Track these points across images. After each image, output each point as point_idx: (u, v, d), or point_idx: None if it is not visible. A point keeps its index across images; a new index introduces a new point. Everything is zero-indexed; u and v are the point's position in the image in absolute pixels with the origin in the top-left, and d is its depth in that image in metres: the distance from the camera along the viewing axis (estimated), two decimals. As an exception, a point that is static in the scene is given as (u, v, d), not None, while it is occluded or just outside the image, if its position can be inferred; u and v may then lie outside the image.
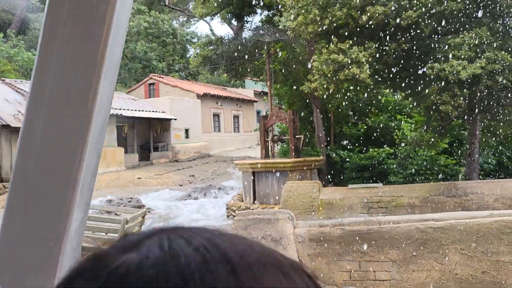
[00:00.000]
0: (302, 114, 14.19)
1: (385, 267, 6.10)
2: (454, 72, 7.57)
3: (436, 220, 6.12)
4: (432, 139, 10.12)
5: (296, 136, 11.08)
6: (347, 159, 12.84)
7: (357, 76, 7.40)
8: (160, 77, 31.58)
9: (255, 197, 10.87)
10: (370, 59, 7.87)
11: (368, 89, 8.70)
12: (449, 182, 9.34)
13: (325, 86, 7.81)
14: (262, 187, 10.81)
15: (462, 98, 7.55)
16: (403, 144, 12.16)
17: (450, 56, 7.93)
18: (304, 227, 6.34)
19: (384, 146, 13.14)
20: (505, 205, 7.84)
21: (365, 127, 13.76)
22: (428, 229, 6.05)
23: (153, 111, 25.44)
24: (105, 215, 8.80)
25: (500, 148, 12.36)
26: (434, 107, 8.27)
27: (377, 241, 6.10)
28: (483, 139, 12.29)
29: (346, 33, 8.49)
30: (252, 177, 10.87)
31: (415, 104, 10.69)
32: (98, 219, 8.00)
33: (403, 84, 9.53)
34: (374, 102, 14.73)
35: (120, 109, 22.92)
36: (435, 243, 6.00)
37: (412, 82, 9.05)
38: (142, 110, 24.70)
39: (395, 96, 13.87)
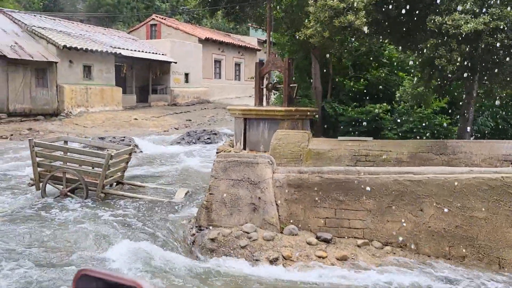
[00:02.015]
0: (302, 64, 13.90)
1: (360, 216, 6.18)
2: (456, 26, 7.30)
3: (415, 174, 6.12)
4: (426, 97, 9.96)
5: (291, 85, 10.90)
6: (343, 113, 12.74)
7: (353, 23, 7.16)
8: (163, 18, 30.80)
9: (246, 143, 10.87)
10: (369, 7, 7.58)
11: (367, 40, 8.45)
12: (439, 140, 9.29)
13: (320, 34, 7.59)
14: (253, 134, 10.79)
15: (458, 54, 7.33)
16: (401, 101, 11.98)
17: (454, 9, 7.63)
18: (283, 173, 6.37)
19: (383, 102, 12.96)
20: (492, 165, 7.83)
21: (365, 81, 13.51)
22: (406, 181, 6.06)
23: (153, 53, 25.00)
24: (93, 150, 8.86)
25: (499, 111, 12.24)
26: (429, 62, 8.05)
27: (354, 190, 6.15)
28: (483, 101, 12.08)
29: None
30: (244, 124, 10.82)
31: (414, 60, 10.43)
32: (84, 153, 8.06)
33: (403, 37, 9.25)
34: (375, 56, 14.38)
35: (119, 48, 22.51)
36: (411, 195, 6.04)
37: (412, 35, 8.77)
38: (142, 51, 24.25)
39: (398, 52, 13.53)
